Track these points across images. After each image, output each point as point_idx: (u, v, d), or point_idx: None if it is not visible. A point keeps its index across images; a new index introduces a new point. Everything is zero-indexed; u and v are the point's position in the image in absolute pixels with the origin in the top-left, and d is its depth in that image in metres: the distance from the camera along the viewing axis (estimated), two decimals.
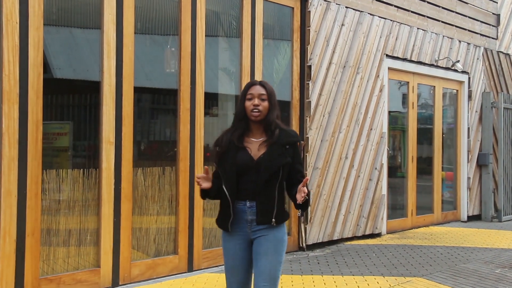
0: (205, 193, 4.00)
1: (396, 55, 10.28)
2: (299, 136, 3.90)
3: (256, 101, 3.92)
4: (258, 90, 3.97)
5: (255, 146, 3.93)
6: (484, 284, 6.69)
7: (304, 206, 3.91)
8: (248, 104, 3.95)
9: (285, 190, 4.01)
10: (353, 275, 6.99)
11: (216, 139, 4.06)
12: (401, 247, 8.93)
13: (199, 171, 7.09)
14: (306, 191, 3.76)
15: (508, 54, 13.28)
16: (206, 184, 3.89)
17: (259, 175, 3.84)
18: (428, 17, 11.01)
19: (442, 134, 11.77)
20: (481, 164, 12.32)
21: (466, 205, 12.08)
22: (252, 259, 3.99)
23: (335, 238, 8.97)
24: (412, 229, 10.76)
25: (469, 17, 12.10)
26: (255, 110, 3.91)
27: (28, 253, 5.57)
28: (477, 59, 12.34)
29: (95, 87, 6.30)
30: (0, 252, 5.39)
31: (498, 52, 12.94)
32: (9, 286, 5.43)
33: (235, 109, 3.96)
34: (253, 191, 3.85)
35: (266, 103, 3.95)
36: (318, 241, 8.70)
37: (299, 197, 3.77)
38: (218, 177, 3.99)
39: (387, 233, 10.11)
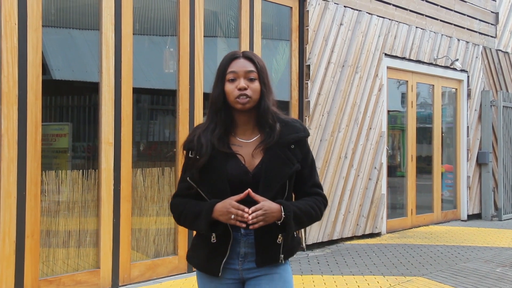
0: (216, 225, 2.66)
1: (395, 54, 10.27)
2: (307, 129, 2.81)
3: (242, 82, 2.66)
4: (243, 65, 2.70)
5: (248, 150, 2.69)
6: (485, 283, 6.69)
7: (285, 228, 2.65)
8: (230, 87, 2.67)
9: None
10: (353, 275, 6.99)
11: (185, 139, 2.78)
12: (401, 246, 8.93)
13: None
14: (259, 210, 2.55)
15: (507, 52, 13.28)
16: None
17: (258, 194, 2.61)
18: (426, 15, 11.01)
19: (442, 133, 11.78)
20: (480, 162, 12.32)
21: (466, 204, 12.08)
22: None
23: (334, 237, 8.97)
24: (412, 228, 10.75)
25: (468, 16, 12.10)
26: (242, 96, 2.64)
27: (28, 254, 5.56)
28: (476, 57, 12.34)
29: (94, 88, 6.29)
30: (0, 253, 5.38)
31: (497, 50, 12.94)
32: None
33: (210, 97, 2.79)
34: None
35: (256, 84, 2.69)
36: (318, 241, 8.69)
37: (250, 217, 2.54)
38: (191, 195, 2.74)
39: (387, 232, 10.10)
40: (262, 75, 2.72)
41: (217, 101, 2.69)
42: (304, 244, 8.46)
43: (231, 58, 2.73)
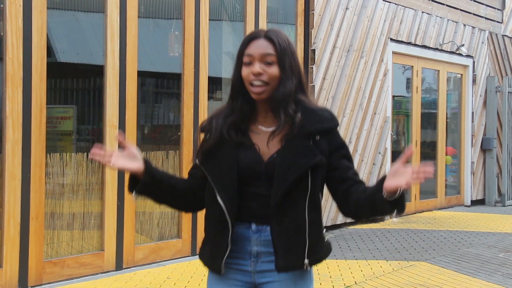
0: (139, 183, 2.40)
1: (400, 39, 10.23)
2: (336, 119, 2.51)
3: (257, 66, 2.35)
4: (260, 47, 2.37)
5: (265, 139, 2.41)
6: (487, 268, 6.71)
7: (399, 203, 2.25)
8: (245, 72, 2.38)
9: (321, 207, 2.48)
10: (356, 260, 7.01)
11: (203, 121, 2.55)
12: (404, 231, 8.95)
13: None
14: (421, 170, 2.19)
15: None
16: (130, 164, 2.36)
17: (272, 188, 2.35)
18: (432, 0, 10.94)
19: (446, 118, 11.75)
20: (485, 148, 12.29)
21: (469, 190, 12.07)
22: None
23: (338, 222, 8.98)
24: (415, 213, 10.75)
25: (474, 1, 12.01)
26: (256, 83, 2.35)
27: (32, 236, 5.59)
28: (482, 43, 12.27)
29: (98, 71, 6.29)
30: (5, 235, 5.41)
31: (503, 36, 12.87)
32: (13, 269, 5.46)
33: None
34: (264, 211, 2.37)
35: (274, 69, 2.36)
36: None
37: (413, 177, 2.17)
38: (197, 170, 2.51)
39: (390, 217, 10.11)
40: (282, 58, 2.36)
41: (234, 86, 2.43)
42: None
43: (250, 38, 2.41)
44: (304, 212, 2.35)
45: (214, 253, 2.41)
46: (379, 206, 2.27)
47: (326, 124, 2.42)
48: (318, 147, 2.38)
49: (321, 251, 2.45)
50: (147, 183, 2.39)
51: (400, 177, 2.20)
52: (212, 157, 2.41)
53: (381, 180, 2.25)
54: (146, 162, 2.39)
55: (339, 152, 2.44)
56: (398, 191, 2.20)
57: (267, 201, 2.35)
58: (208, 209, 2.46)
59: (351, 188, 2.40)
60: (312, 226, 2.38)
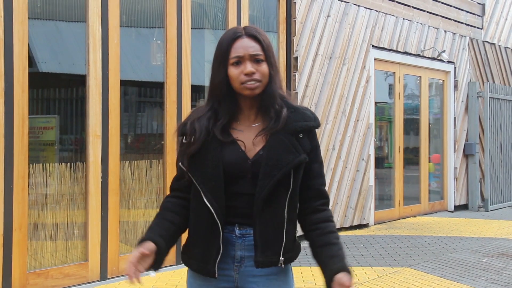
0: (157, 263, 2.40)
1: (382, 46, 10.29)
2: (317, 119, 2.48)
3: (249, 66, 2.31)
4: (249, 46, 2.34)
5: (249, 136, 2.37)
6: (471, 273, 6.74)
7: None
8: (235, 72, 2.32)
9: (298, 205, 2.45)
10: None
11: (180, 124, 2.48)
12: (388, 237, 8.97)
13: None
14: None
15: (493, 43, 13.33)
16: (146, 264, 2.33)
17: (257, 184, 2.31)
18: (413, 7, 11.03)
19: (429, 124, 11.83)
20: (467, 153, 12.38)
21: (453, 195, 12.14)
22: None
23: None
24: (399, 219, 10.80)
25: (455, 7, 12.13)
26: (251, 82, 2.31)
27: (16, 247, 5.55)
28: (463, 49, 12.38)
29: (81, 81, 6.27)
30: None
31: (483, 41, 12.99)
32: None
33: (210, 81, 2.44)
34: (248, 211, 2.33)
35: (264, 67, 2.34)
36: None
37: None
38: (182, 186, 2.47)
39: (375, 223, 10.14)
40: (269, 55, 2.36)
41: (219, 88, 2.35)
42: None
43: (232, 38, 2.35)
44: (284, 209, 2.34)
45: (205, 256, 2.35)
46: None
47: (310, 123, 2.41)
48: (302, 145, 2.36)
49: (294, 250, 2.45)
50: (163, 258, 2.41)
51: None
52: (196, 159, 2.36)
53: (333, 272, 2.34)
54: (157, 245, 2.37)
55: (316, 153, 2.44)
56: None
57: (252, 200, 2.31)
58: (194, 212, 2.40)
59: (307, 202, 2.44)
60: (289, 224, 2.37)
